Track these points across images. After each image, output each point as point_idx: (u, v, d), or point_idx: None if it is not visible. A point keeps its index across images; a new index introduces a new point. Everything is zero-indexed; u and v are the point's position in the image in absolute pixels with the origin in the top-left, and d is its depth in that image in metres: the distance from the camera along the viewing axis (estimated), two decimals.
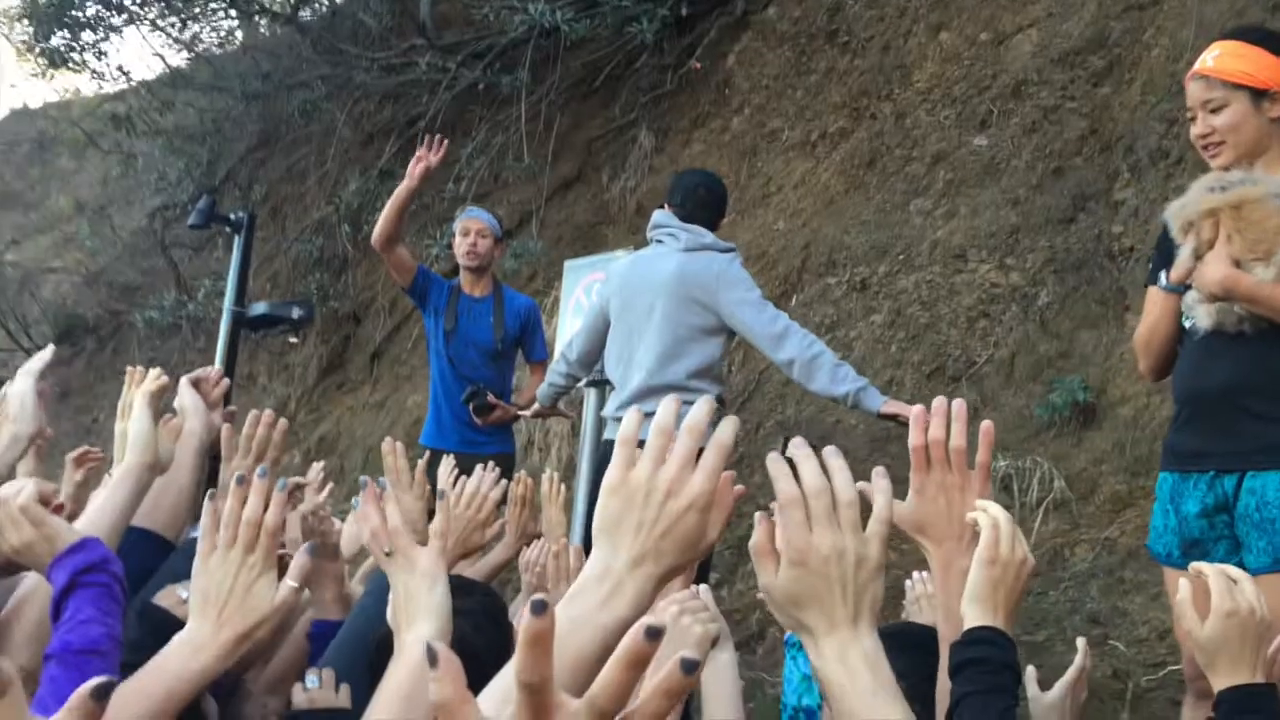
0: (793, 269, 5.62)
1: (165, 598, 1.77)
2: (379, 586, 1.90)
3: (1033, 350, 4.42)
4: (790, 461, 1.06)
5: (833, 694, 1.00)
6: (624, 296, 3.52)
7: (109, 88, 10.34)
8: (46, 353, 2.17)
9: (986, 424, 1.48)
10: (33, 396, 2.00)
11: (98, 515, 1.72)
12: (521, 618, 0.68)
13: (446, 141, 4.15)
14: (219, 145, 9.64)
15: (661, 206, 3.64)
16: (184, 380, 2.11)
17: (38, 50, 8.92)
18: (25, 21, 10.04)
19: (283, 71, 9.35)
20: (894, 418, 3.18)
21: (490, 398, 4.18)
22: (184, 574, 1.78)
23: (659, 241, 3.54)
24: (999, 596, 1.33)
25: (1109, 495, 3.87)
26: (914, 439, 1.38)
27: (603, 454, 3.59)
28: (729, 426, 1.01)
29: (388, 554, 1.39)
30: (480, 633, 1.56)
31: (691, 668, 0.72)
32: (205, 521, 1.32)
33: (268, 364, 9.08)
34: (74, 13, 8.22)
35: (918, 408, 1.43)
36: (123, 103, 9.86)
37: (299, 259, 8.96)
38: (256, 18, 10.43)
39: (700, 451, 0.99)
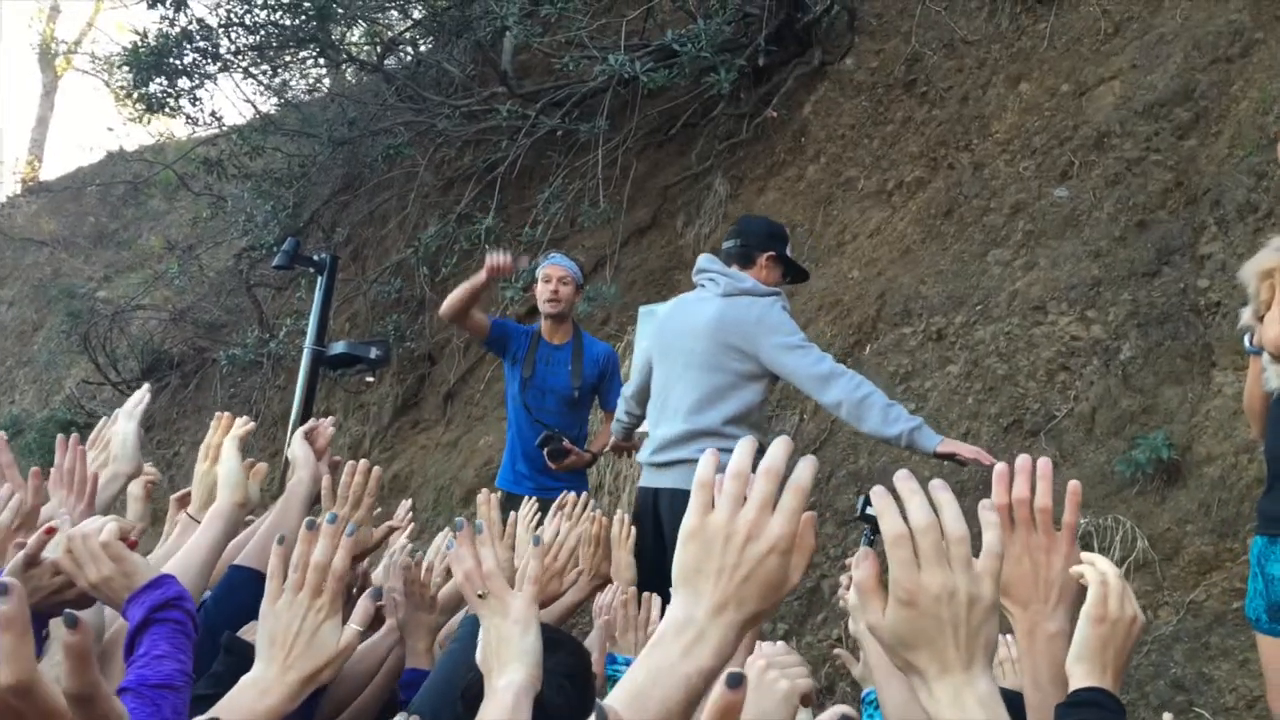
0: (867, 318, 5.59)
1: (249, 632, 1.81)
2: (469, 631, 1.92)
3: (1114, 405, 4.32)
4: (896, 497, 1.04)
5: None
6: (663, 340, 3.55)
7: (201, 132, 10.69)
8: (142, 394, 2.27)
9: (1074, 484, 1.45)
10: (134, 437, 2.10)
11: (191, 552, 1.78)
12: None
13: (522, 258, 4.25)
14: (304, 189, 9.92)
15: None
16: (298, 433, 2.19)
17: (136, 96, 9.27)
18: (125, 68, 10.49)
19: (367, 118, 9.61)
20: (952, 457, 3.13)
21: (565, 443, 4.21)
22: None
23: (701, 286, 3.55)
24: (1108, 656, 1.29)
25: (1194, 557, 3.75)
26: (997, 498, 1.33)
27: (639, 502, 3.57)
28: (807, 467, 1.00)
29: (481, 596, 1.40)
30: (561, 693, 1.55)
31: (736, 681, 0.72)
32: (273, 564, 1.34)
33: (344, 402, 9.25)
34: (172, 60, 8.54)
35: (1000, 466, 1.38)
36: (214, 147, 10.21)
37: (377, 300, 9.14)
38: (344, 66, 10.77)
39: (778, 494, 0.98)
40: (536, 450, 4.27)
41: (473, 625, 1.95)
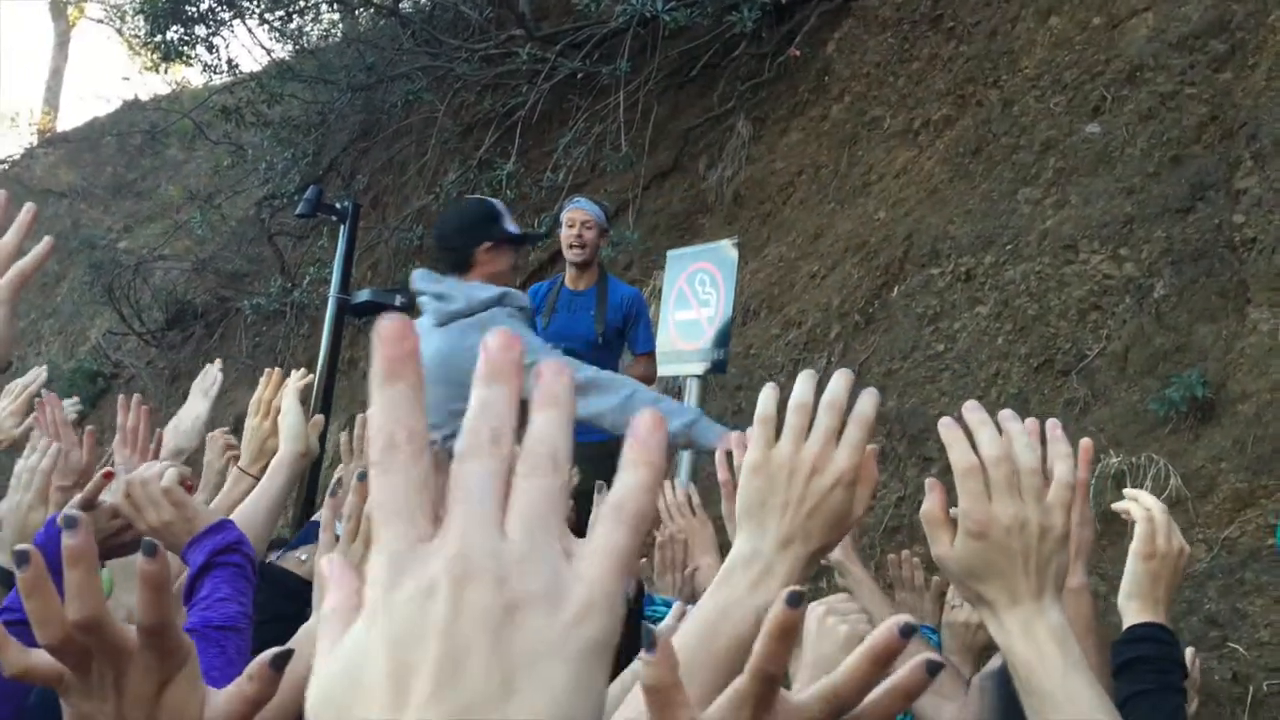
0: (894, 259, 5.54)
1: (286, 561, 1.85)
2: None
3: (1147, 344, 4.29)
4: (964, 427, 1.02)
5: (1019, 672, 0.96)
6: None
7: (218, 80, 10.64)
8: (215, 373, 2.31)
9: (1085, 441, 1.43)
10: (204, 420, 2.15)
11: (258, 499, 1.81)
12: (774, 606, 0.68)
13: None
14: (323, 136, 9.88)
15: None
16: (291, 394, 2.20)
17: (152, 44, 9.22)
18: (140, 17, 10.42)
19: (384, 64, 9.53)
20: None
21: None
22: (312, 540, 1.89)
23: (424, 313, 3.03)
24: (1159, 590, 1.29)
25: (1228, 494, 3.74)
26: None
27: None
28: (870, 400, 0.98)
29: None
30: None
31: (935, 668, 0.71)
32: (325, 515, 1.34)
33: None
34: (189, 7, 8.47)
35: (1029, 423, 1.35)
36: (231, 95, 10.16)
37: (399, 248, 9.13)
38: (359, 11, 10.66)
39: (841, 427, 0.97)
40: None
41: None
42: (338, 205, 5.89)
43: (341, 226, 5.76)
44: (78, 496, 1.49)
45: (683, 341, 4.21)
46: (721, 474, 1.24)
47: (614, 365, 4.49)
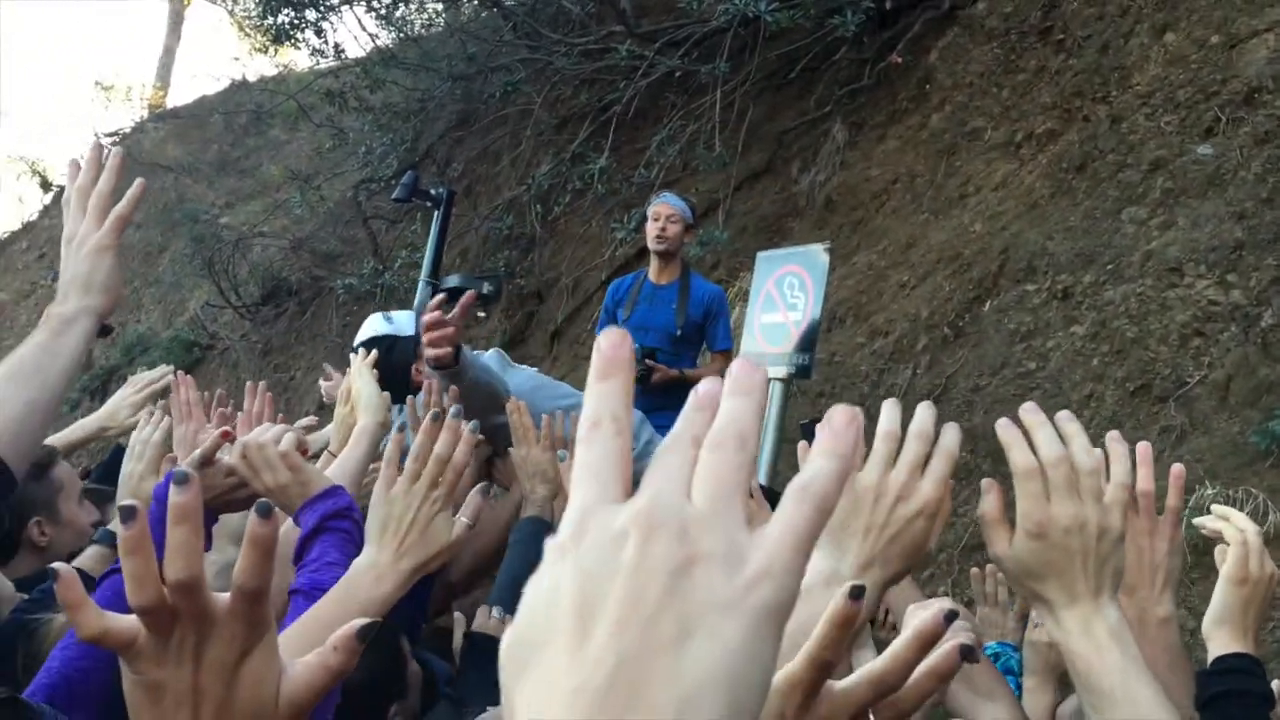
0: (988, 273, 5.44)
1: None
2: (530, 532, 2.01)
3: (1252, 374, 4.14)
4: (1022, 428, 1.02)
5: (1078, 670, 0.97)
6: None
7: (324, 64, 10.88)
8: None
9: (1177, 467, 1.39)
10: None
11: (343, 464, 1.85)
12: (835, 599, 0.68)
13: None
14: (421, 123, 10.04)
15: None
16: (363, 367, 2.24)
17: (263, 27, 9.47)
18: (251, 1, 10.72)
19: (485, 54, 9.65)
20: None
21: (647, 362, 4.08)
22: None
23: None
24: (1249, 618, 1.25)
25: None
26: None
27: None
28: (954, 434, 1.00)
29: None
30: None
31: (969, 653, 0.72)
32: (390, 451, 1.36)
33: None
34: None
35: (1097, 452, 1.30)
36: (335, 79, 10.38)
37: (489, 236, 9.24)
38: (462, 2, 10.82)
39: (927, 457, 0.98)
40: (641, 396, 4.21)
41: (530, 528, 2.02)
42: (433, 191, 5.99)
43: (435, 212, 5.86)
44: (195, 453, 1.53)
45: (768, 344, 4.18)
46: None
47: (691, 360, 4.49)
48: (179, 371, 2.38)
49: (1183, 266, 4.61)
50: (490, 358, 2.77)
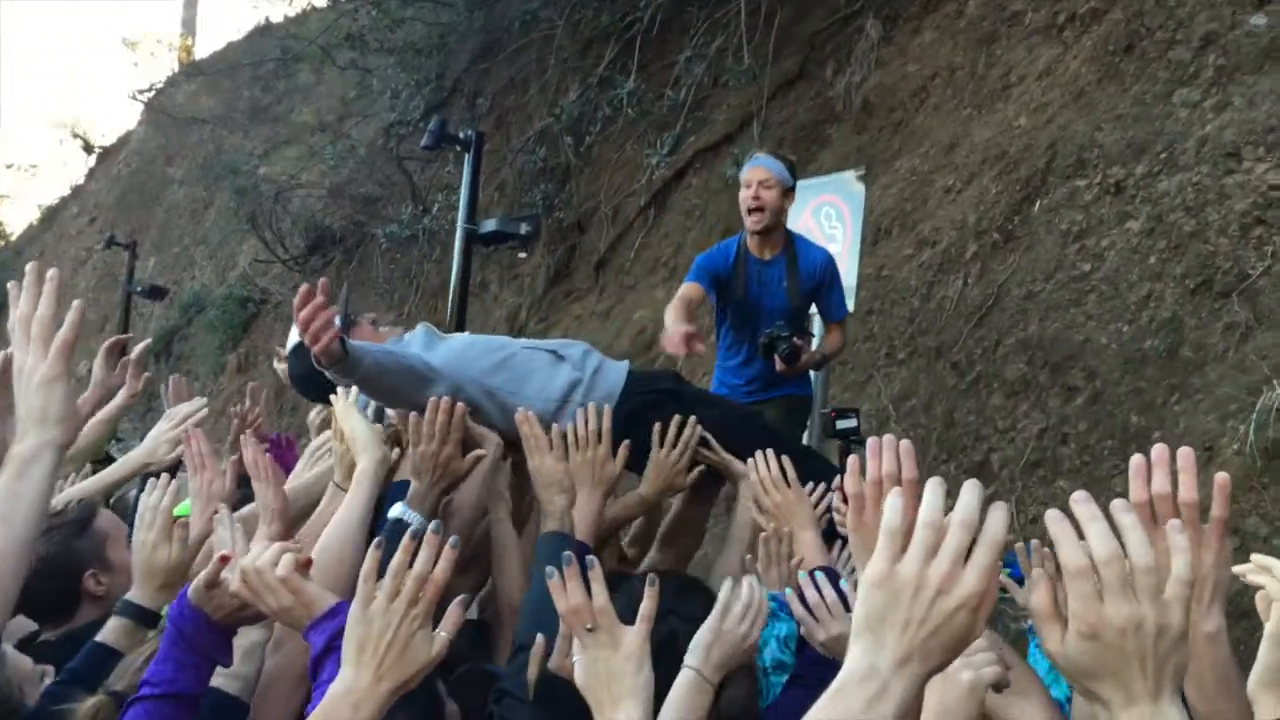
0: (1036, 171, 5.23)
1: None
2: (549, 553, 1.94)
3: None
4: (1073, 521, 0.97)
5: None
6: None
7: (343, 2, 10.72)
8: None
9: (1221, 477, 1.30)
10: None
11: (350, 511, 1.84)
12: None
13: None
14: (445, 59, 9.88)
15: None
16: (348, 406, 2.21)
17: None
18: None
19: None
20: None
21: (795, 340, 3.56)
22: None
23: None
24: None
25: None
26: (1136, 494, 1.17)
27: None
28: (1001, 519, 0.93)
29: (590, 630, 1.38)
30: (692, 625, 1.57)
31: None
32: (368, 567, 1.31)
33: (499, 274, 9.41)
34: None
35: (1137, 459, 1.17)
36: (355, 20, 10.23)
37: (524, 170, 9.15)
38: None
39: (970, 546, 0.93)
40: (745, 365, 3.86)
41: (551, 545, 1.97)
42: (461, 135, 5.93)
43: (466, 155, 5.81)
44: (199, 578, 1.54)
45: None
46: (852, 486, 1.20)
47: (803, 328, 3.94)
48: (191, 426, 2.38)
49: (1240, 150, 4.38)
50: (416, 336, 2.67)
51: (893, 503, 0.94)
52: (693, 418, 2.51)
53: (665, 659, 1.44)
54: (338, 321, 2.22)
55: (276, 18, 18.62)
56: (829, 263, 3.86)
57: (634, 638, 1.38)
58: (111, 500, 2.67)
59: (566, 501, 2.09)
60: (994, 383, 4.69)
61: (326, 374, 2.17)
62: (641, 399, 2.58)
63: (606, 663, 1.38)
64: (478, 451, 2.23)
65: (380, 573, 1.31)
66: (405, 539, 1.31)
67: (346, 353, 2.13)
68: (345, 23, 10.43)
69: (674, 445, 2.43)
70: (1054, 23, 5.98)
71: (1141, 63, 5.18)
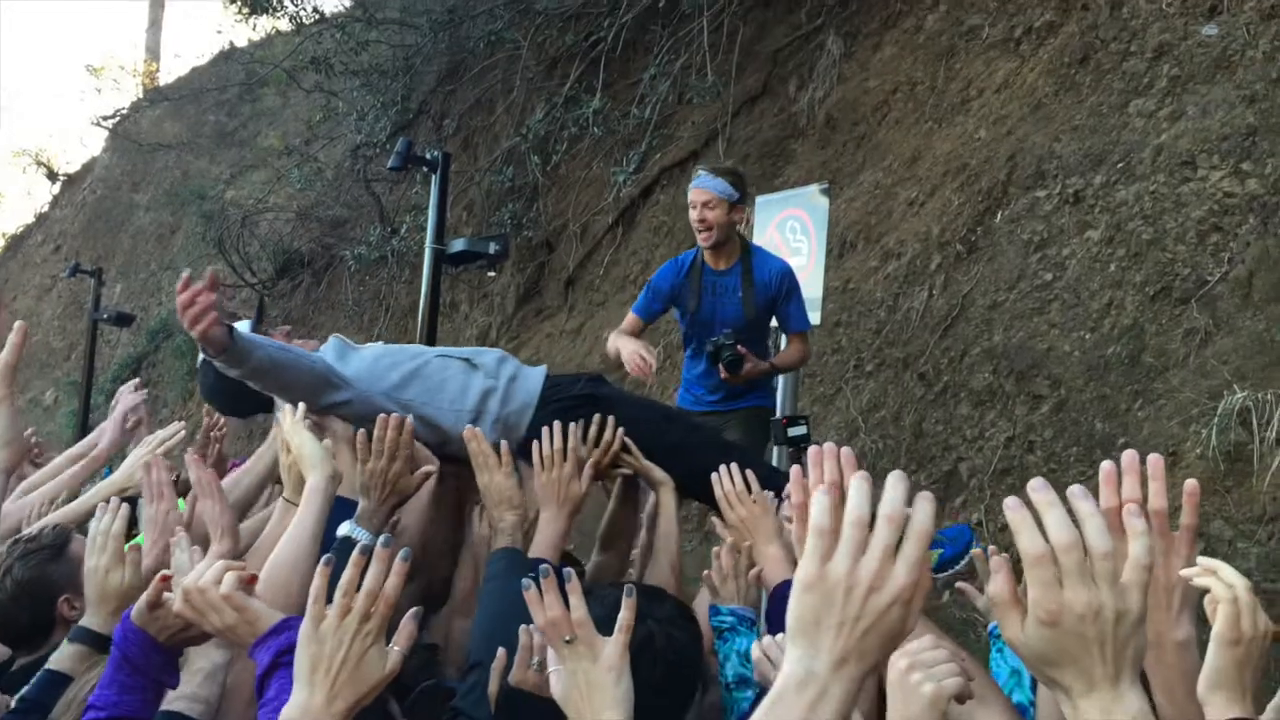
0: (996, 182, 5.30)
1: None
2: (504, 568, 1.95)
3: (1275, 267, 4.02)
4: (1031, 508, 0.97)
5: None
6: None
7: (307, 25, 10.69)
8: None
9: (1191, 484, 1.31)
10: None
11: (300, 528, 1.84)
12: None
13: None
14: (411, 81, 9.88)
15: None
16: (297, 421, 2.16)
17: None
18: None
19: (465, 2, 9.43)
20: None
21: (739, 348, 3.59)
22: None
23: None
24: (1245, 678, 1.19)
25: None
26: (1106, 500, 1.19)
27: None
28: (928, 509, 0.93)
29: (568, 641, 1.38)
30: (672, 640, 1.57)
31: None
32: (317, 585, 1.29)
33: (469, 294, 9.39)
34: None
35: (1107, 465, 1.14)
36: (318, 45, 10.20)
37: (491, 189, 9.15)
38: None
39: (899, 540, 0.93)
40: (706, 375, 3.86)
41: (504, 562, 1.97)
42: (427, 156, 5.92)
43: (433, 176, 5.81)
44: (140, 600, 1.53)
45: None
46: (796, 496, 1.20)
47: (763, 345, 3.97)
48: (155, 454, 2.36)
49: (1195, 159, 4.47)
50: (328, 348, 2.63)
51: (820, 501, 0.93)
52: (610, 419, 2.45)
53: (645, 662, 1.45)
54: (247, 325, 2.19)
55: (240, 42, 18.53)
56: (786, 274, 3.83)
57: (613, 648, 1.37)
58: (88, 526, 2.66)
59: (517, 518, 2.08)
60: (961, 392, 4.74)
61: (215, 364, 2.12)
62: (559, 404, 2.54)
63: (586, 674, 1.36)
64: (426, 468, 2.22)
65: (330, 591, 1.29)
66: (355, 554, 1.30)
67: (234, 341, 2.08)
68: (310, 46, 10.40)
69: (595, 446, 2.38)
70: (1011, 36, 6.07)
71: (1097, 74, 5.27)
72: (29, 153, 24.21)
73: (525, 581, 1.42)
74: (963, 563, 2.85)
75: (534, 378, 2.63)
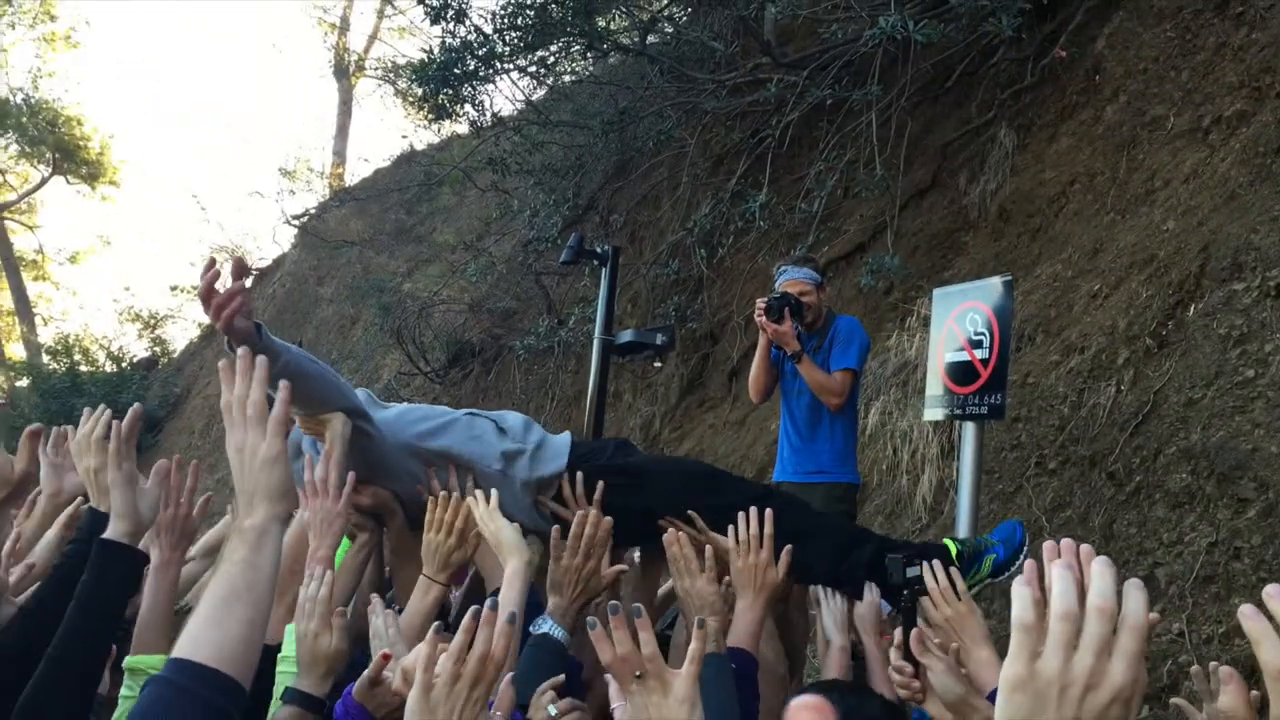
0: (1188, 275, 5.07)
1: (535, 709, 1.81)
2: (711, 675, 1.90)
3: None
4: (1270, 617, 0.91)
5: None
6: None
7: (484, 130, 11.25)
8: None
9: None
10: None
11: (504, 609, 1.89)
12: None
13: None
14: (581, 178, 10.24)
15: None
16: (491, 510, 2.29)
17: (425, 107, 9.90)
18: (414, 84, 11.21)
19: (635, 103, 9.77)
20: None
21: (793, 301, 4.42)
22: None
23: None
24: None
25: None
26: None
27: None
28: (1141, 598, 0.86)
29: (638, 676, 1.37)
30: None
31: None
32: (426, 654, 1.31)
33: (632, 383, 9.53)
34: (456, 70, 9.02)
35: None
36: (495, 145, 10.73)
37: (657, 282, 9.32)
38: (608, 52, 10.99)
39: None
40: (799, 442, 4.64)
41: (534, 652, 1.95)
42: (598, 250, 6.12)
43: (602, 269, 5.98)
44: (364, 674, 1.60)
45: (954, 384, 4.03)
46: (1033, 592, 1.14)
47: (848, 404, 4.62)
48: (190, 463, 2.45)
49: None
50: (359, 396, 2.69)
51: (1020, 593, 0.88)
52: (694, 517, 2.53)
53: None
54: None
55: (420, 146, 19.68)
56: (847, 324, 4.62)
57: (684, 681, 1.37)
58: None
59: (718, 625, 2.05)
60: (1156, 493, 4.48)
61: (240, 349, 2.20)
62: (587, 471, 2.63)
63: (658, 708, 1.36)
64: (619, 566, 2.25)
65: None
66: (466, 619, 1.33)
67: (261, 338, 2.07)
68: (486, 148, 10.94)
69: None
70: (1198, 126, 5.86)
71: None
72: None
73: (591, 620, 1.43)
74: (1017, 565, 2.75)
75: (560, 444, 2.75)
